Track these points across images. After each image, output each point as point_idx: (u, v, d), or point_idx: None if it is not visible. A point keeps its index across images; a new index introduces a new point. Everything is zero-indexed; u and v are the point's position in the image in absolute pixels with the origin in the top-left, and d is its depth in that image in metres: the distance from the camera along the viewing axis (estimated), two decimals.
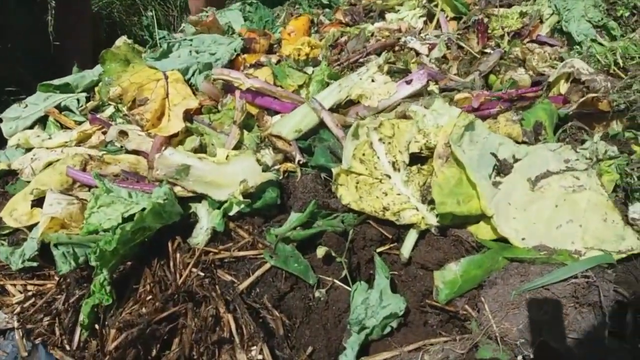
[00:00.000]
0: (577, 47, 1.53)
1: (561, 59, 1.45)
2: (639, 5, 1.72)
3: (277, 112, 1.43)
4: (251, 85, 1.39)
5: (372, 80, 1.36)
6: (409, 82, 1.33)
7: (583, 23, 1.69)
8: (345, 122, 1.32)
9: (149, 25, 4.14)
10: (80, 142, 1.54)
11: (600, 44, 1.63)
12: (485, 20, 1.72)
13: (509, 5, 2.32)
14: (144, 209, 1.00)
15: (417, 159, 1.09)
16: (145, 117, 1.37)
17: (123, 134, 1.42)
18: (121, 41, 1.75)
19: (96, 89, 1.68)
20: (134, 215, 0.99)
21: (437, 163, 1.00)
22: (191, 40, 1.77)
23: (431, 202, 1.02)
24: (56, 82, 1.67)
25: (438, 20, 2.13)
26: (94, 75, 1.71)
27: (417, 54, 1.74)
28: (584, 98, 1.14)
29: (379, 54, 1.80)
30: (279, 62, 1.73)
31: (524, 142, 1.09)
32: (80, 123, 1.64)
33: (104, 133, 1.54)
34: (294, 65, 1.64)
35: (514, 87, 1.27)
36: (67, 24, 2.54)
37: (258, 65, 1.68)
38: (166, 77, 1.53)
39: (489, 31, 1.68)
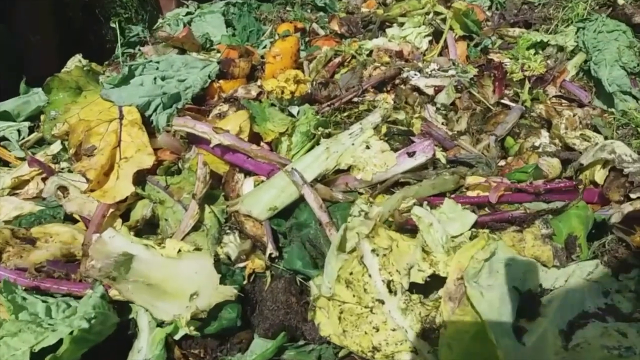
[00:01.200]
0: (613, 109, 1.29)
1: (595, 129, 1.21)
2: None
3: (249, 172, 1.19)
4: (220, 142, 1.15)
5: (367, 147, 1.12)
6: (411, 154, 1.09)
7: (616, 70, 1.45)
8: (332, 196, 1.08)
9: (131, 2, 3.80)
10: (15, 188, 1.29)
11: (636, 97, 1.40)
12: (505, 60, 1.47)
13: (527, 24, 2.07)
14: (61, 340, 0.77)
15: (420, 286, 0.86)
16: (89, 175, 1.12)
17: (63, 189, 1.18)
18: (74, 62, 1.47)
19: (41, 118, 1.41)
20: (46, 349, 0.77)
21: (446, 307, 0.78)
22: (158, 62, 1.50)
23: (435, 341, 0.80)
24: None
25: (445, 41, 1.88)
26: (40, 100, 1.45)
27: (420, 93, 1.49)
28: (632, 208, 0.91)
29: (377, 87, 1.55)
30: (259, 95, 1.47)
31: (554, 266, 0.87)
32: (22, 159, 1.39)
33: (44, 180, 1.29)
34: (277, 104, 1.39)
35: (540, 177, 1.03)
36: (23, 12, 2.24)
37: (233, 100, 1.42)
38: (121, 117, 1.27)
39: (508, 73, 1.43)
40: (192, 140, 1.22)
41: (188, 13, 2.24)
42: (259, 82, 1.56)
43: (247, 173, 1.20)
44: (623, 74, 1.44)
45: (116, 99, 1.32)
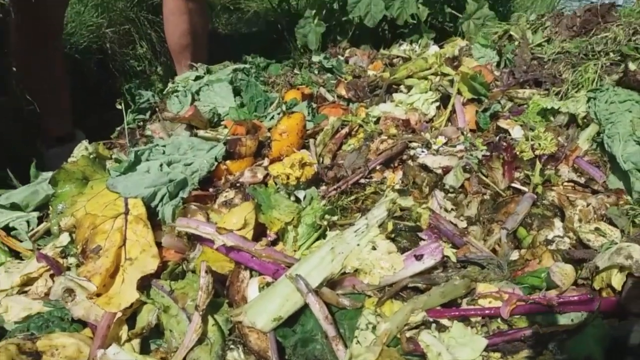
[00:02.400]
0: (629, 194, 1.25)
1: (610, 222, 1.17)
2: None
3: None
4: (224, 243, 1.13)
5: (373, 248, 1.09)
6: (419, 258, 1.06)
7: (631, 145, 1.41)
8: (339, 302, 1.06)
9: (145, 54, 3.89)
10: (24, 285, 1.29)
11: None
12: (515, 130, 1.44)
13: (537, 83, 2.05)
14: None
15: None
16: (94, 281, 1.11)
17: (70, 291, 1.17)
18: (80, 151, 1.49)
19: (49, 209, 1.42)
20: None
21: None
22: (164, 146, 1.50)
23: None
24: (2, 200, 1.42)
25: (454, 106, 1.86)
26: (48, 189, 1.45)
27: (429, 171, 1.47)
28: None
29: (385, 163, 1.54)
30: (265, 177, 1.47)
31: None
32: (32, 250, 1.40)
33: (53, 276, 1.29)
34: (283, 190, 1.38)
35: (554, 287, 0.99)
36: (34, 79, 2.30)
37: (239, 185, 1.42)
38: (126, 212, 1.27)
39: (517, 153, 1.40)
40: (196, 238, 1.21)
41: (197, 77, 2.27)
42: (266, 162, 1.56)
43: (253, 271, 1.18)
44: (638, 150, 1.39)
45: (122, 190, 1.32)
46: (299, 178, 1.35)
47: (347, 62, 2.35)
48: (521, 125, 1.70)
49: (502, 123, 1.74)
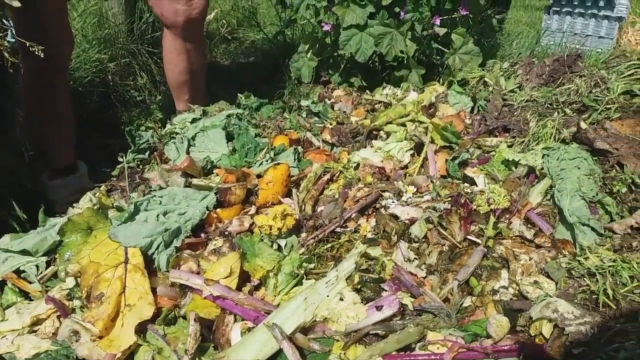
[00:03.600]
0: (579, 251, 1.42)
1: (547, 275, 1.34)
2: (637, 181, 1.61)
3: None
4: (210, 293, 1.30)
5: (341, 299, 1.26)
6: (379, 308, 1.23)
7: (576, 200, 1.58)
8: (310, 347, 1.22)
9: (145, 84, 4.08)
10: (34, 325, 1.46)
11: (595, 231, 1.52)
12: (479, 179, 1.62)
13: (506, 129, 2.22)
14: None
15: None
16: (97, 325, 1.27)
17: (75, 333, 1.34)
18: (85, 202, 1.66)
19: (57, 256, 1.59)
20: None
21: None
22: (161, 197, 1.68)
23: None
24: (15, 246, 1.59)
25: (427, 153, 2.04)
26: (56, 235, 1.62)
27: (398, 220, 1.64)
28: None
29: (360, 212, 1.71)
30: (251, 225, 1.64)
31: None
32: (40, 291, 1.56)
33: (60, 317, 1.45)
34: (267, 239, 1.55)
35: (490, 337, 1.16)
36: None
37: (227, 234, 1.59)
38: (126, 261, 1.44)
39: (475, 207, 1.57)
40: (187, 287, 1.38)
41: (194, 119, 2.45)
42: (253, 209, 1.73)
43: (237, 316, 1.35)
44: (583, 205, 1.57)
45: (122, 240, 1.49)
46: (280, 228, 1.53)
47: (332, 107, 2.53)
48: (486, 174, 1.88)
49: (469, 172, 1.91)
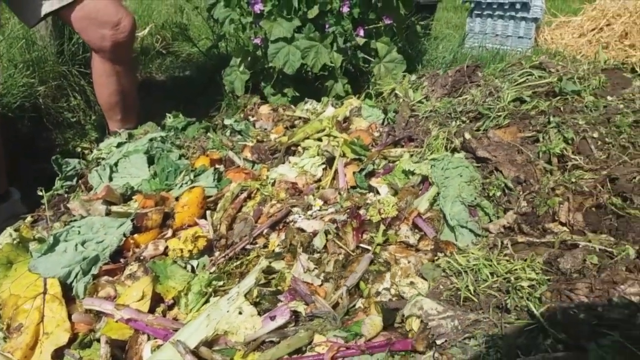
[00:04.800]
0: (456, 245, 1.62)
1: (421, 276, 1.54)
2: (509, 185, 1.83)
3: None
4: (121, 317, 1.43)
5: (240, 312, 1.41)
6: (272, 318, 1.39)
7: (457, 205, 1.79)
8: (212, 358, 1.36)
9: (78, 105, 4.09)
10: None
11: (473, 232, 1.73)
12: (361, 211, 1.79)
13: (410, 139, 2.42)
14: None
15: None
16: (16, 355, 1.38)
17: None
18: (5, 238, 1.74)
19: None
20: None
21: None
22: (79, 227, 1.78)
23: None
24: None
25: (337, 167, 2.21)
26: None
27: (304, 231, 1.80)
28: None
29: (272, 228, 1.86)
30: (166, 249, 1.76)
31: None
32: None
33: None
34: (180, 261, 1.68)
35: (363, 335, 1.34)
36: None
37: (142, 259, 1.71)
38: (45, 292, 1.54)
39: (368, 216, 1.76)
40: (101, 312, 1.49)
41: (120, 144, 2.54)
42: (170, 232, 1.86)
43: (149, 335, 1.48)
44: (463, 209, 1.78)
45: (42, 271, 1.60)
46: (191, 250, 1.66)
47: (254, 125, 2.68)
48: (388, 184, 2.07)
49: (373, 182, 2.10)
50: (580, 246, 1.48)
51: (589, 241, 1.50)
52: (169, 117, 2.88)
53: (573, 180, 1.84)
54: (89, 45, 2.81)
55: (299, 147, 2.41)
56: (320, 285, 1.56)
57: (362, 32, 3.54)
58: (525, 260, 1.48)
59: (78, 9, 2.53)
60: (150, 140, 2.39)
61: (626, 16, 4.86)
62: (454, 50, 4.79)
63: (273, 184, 2.14)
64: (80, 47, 4.14)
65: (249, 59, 3.79)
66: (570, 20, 5.30)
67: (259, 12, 3.51)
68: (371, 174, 2.19)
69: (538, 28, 5.22)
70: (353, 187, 2.14)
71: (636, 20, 4.77)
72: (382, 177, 2.13)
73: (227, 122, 2.68)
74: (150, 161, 2.28)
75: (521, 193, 1.80)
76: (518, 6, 4.94)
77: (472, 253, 1.57)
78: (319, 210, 1.90)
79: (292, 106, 3.01)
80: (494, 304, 1.38)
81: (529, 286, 1.38)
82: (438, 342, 1.31)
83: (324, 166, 2.22)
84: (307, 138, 2.43)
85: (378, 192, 2.04)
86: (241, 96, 3.71)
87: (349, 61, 3.71)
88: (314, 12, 3.53)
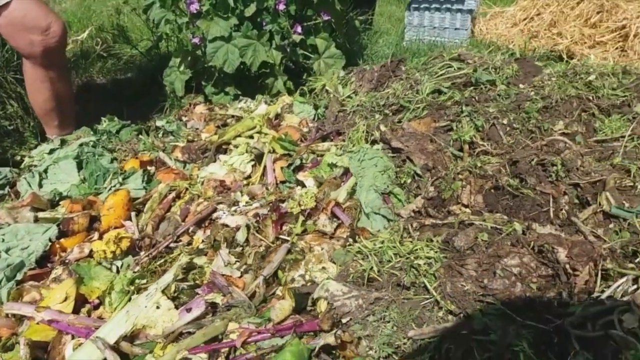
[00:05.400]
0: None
1: (333, 262, 1.64)
2: (418, 172, 1.96)
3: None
4: (42, 319, 1.47)
5: (157, 307, 1.48)
6: (188, 310, 1.46)
7: (371, 193, 1.91)
8: (132, 352, 1.43)
9: (15, 112, 4.01)
10: None
11: (386, 218, 1.85)
12: (284, 204, 1.88)
13: (339, 133, 2.53)
14: None
15: None
16: None
17: None
18: None
19: None
20: None
21: None
22: (4, 235, 1.80)
23: None
24: None
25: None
26: None
27: (228, 227, 1.87)
28: (332, 338, 1.32)
29: (197, 225, 1.92)
30: (91, 252, 1.80)
31: None
32: None
33: None
34: (105, 262, 1.73)
35: (273, 319, 1.43)
36: None
37: (67, 263, 1.75)
38: None
39: (289, 209, 1.85)
40: (24, 315, 1.53)
41: (52, 150, 2.55)
42: (96, 235, 1.90)
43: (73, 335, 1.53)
44: (376, 197, 1.89)
45: None
46: (114, 252, 1.71)
47: (186, 125, 2.72)
48: (314, 177, 2.17)
49: (301, 176, 2.19)
50: (474, 225, 1.62)
51: (484, 220, 1.64)
52: (104, 121, 2.89)
53: (479, 165, 1.98)
54: (18, 51, 2.78)
55: (231, 145, 2.48)
56: (240, 277, 1.65)
57: (299, 29, 3.60)
58: (426, 240, 1.60)
59: (4, 15, 2.50)
60: (81, 145, 2.41)
61: (554, 5, 5.12)
62: (393, 43, 4.94)
63: (202, 183, 2.20)
64: (15, 53, 4.06)
65: (189, 58, 3.81)
66: (504, 11, 5.53)
67: (195, 11, 3.53)
68: (300, 169, 2.28)
69: (474, 19, 5.42)
70: (282, 182, 2.23)
71: (563, 10, 5.03)
72: (309, 170, 2.22)
73: (159, 123, 2.71)
74: (80, 166, 2.30)
75: (429, 179, 1.93)
76: None
77: (381, 237, 1.69)
78: (245, 205, 1.97)
79: (228, 105, 3.06)
80: (394, 282, 1.50)
81: (425, 264, 1.50)
82: (343, 320, 1.42)
83: (253, 163, 2.30)
84: (239, 136, 2.50)
85: (304, 186, 2.14)
86: (185, 96, 3.73)
87: (289, 58, 3.77)
88: (250, 10, 3.58)
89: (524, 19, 5.26)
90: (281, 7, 3.53)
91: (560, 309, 1.36)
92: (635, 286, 1.33)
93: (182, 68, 3.84)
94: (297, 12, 3.69)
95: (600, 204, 1.72)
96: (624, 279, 1.32)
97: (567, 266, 1.41)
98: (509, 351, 1.27)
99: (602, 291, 1.36)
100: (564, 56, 4.53)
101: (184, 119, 2.82)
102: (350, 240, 1.69)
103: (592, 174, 1.84)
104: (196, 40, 3.56)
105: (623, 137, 2.16)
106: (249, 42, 3.47)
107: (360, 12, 5.00)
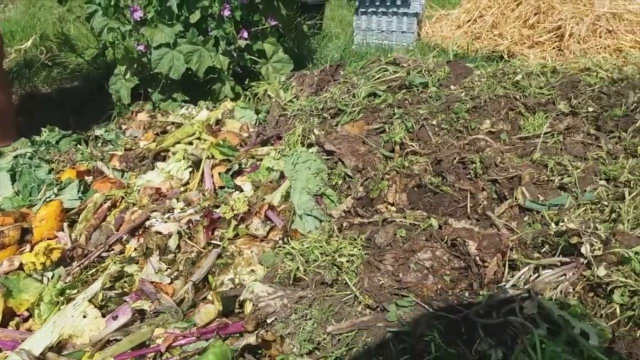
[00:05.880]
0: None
1: (262, 264, 1.69)
2: (349, 173, 2.03)
3: None
4: None
5: (84, 316, 1.49)
6: (115, 318, 1.48)
7: (304, 195, 1.97)
8: None
9: None
10: None
11: (318, 219, 1.91)
12: (218, 209, 1.92)
13: (279, 137, 2.58)
14: None
15: None
16: None
17: None
18: None
19: None
20: None
21: None
22: None
23: None
24: None
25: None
26: None
27: (161, 233, 1.89)
28: (254, 338, 1.37)
29: (132, 233, 1.93)
30: (21, 265, 1.79)
31: None
32: None
33: None
34: (35, 274, 1.72)
35: (197, 323, 1.47)
36: None
37: None
38: None
39: (222, 214, 1.88)
40: None
41: None
42: (28, 248, 1.88)
43: None
44: (309, 198, 1.95)
45: None
46: (44, 263, 1.71)
47: (125, 133, 2.72)
48: (252, 181, 2.21)
49: (238, 181, 2.23)
50: (394, 222, 1.69)
51: (405, 217, 1.72)
52: (44, 132, 2.85)
53: (406, 164, 2.06)
54: None
55: (169, 153, 2.49)
56: (170, 283, 1.67)
57: (245, 34, 3.63)
58: (350, 239, 1.67)
59: None
60: (16, 157, 2.37)
61: (495, 7, 5.32)
62: (342, 47, 5.03)
63: (139, 191, 2.21)
64: None
65: (136, 66, 3.78)
66: (449, 14, 5.72)
67: (139, 19, 3.52)
68: (239, 173, 2.32)
69: (420, 22, 5.57)
70: (221, 187, 2.26)
71: (504, 11, 5.24)
72: (247, 175, 2.26)
73: (97, 132, 2.70)
74: (15, 178, 2.27)
75: (359, 180, 2.01)
76: (399, 2, 5.25)
77: (310, 238, 1.74)
78: (180, 212, 2.00)
79: (171, 112, 3.07)
80: (318, 280, 1.55)
81: (347, 261, 1.57)
82: (268, 320, 1.46)
83: (190, 169, 2.32)
84: (178, 143, 2.51)
85: (243, 190, 2.17)
86: (134, 104, 3.70)
87: (237, 63, 3.79)
88: (195, 16, 3.59)
89: (468, 21, 5.44)
90: (226, 13, 3.55)
91: (470, 299, 1.45)
92: (536, 274, 1.43)
93: (127, 76, 3.81)
94: (242, 18, 3.72)
95: (516, 198, 1.83)
96: (526, 268, 1.42)
97: (477, 258, 1.51)
98: (421, 341, 1.35)
99: (508, 280, 1.45)
100: (505, 56, 4.71)
101: (123, 127, 2.80)
102: (281, 242, 1.74)
103: (510, 169, 1.95)
104: (141, 47, 3.55)
105: (545, 133, 2.30)
106: (194, 48, 3.48)
107: (308, 17, 5.07)
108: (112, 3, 3.53)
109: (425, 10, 5.78)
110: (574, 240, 1.40)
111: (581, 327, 1.21)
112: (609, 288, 1.34)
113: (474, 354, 1.30)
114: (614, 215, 1.62)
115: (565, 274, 1.36)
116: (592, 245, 1.36)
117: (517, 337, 1.27)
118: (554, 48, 4.68)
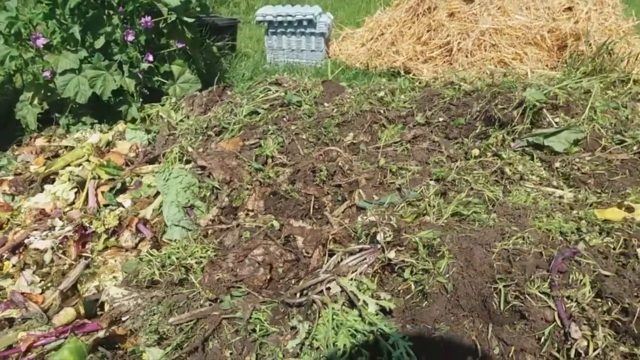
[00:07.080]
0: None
1: (125, 271, 1.90)
2: (216, 186, 2.28)
3: None
4: None
5: None
6: None
7: (173, 208, 2.20)
8: None
9: None
10: None
11: (185, 229, 2.14)
12: (90, 222, 2.12)
13: (165, 155, 2.78)
14: None
15: None
16: None
17: None
18: None
19: None
20: None
21: None
22: None
23: None
24: None
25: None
26: None
27: (39, 249, 2.07)
28: (104, 332, 1.58)
29: (13, 252, 2.09)
30: None
31: None
32: None
33: None
34: None
35: (55, 324, 1.67)
36: None
37: None
38: None
39: (95, 228, 2.08)
40: None
41: None
42: None
43: None
44: (177, 211, 2.18)
45: None
46: None
47: (16, 158, 2.85)
48: (132, 198, 2.41)
49: (120, 198, 2.43)
50: (241, 226, 1.96)
51: (254, 221, 1.99)
52: None
53: (271, 175, 2.34)
54: None
55: (59, 175, 2.65)
56: (41, 293, 1.85)
57: (150, 57, 3.79)
58: (202, 244, 1.92)
59: None
60: None
61: (394, 26, 5.78)
62: (251, 67, 5.31)
63: (25, 213, 2.36)
64: None
65: (43, 91, 3.87)
66: (354, 32, 6.13)
67: (42, 46, 3.63)
68: (124, 191, 2.51)
69: (328, 41, 5.95)
70: (106, 205, 2.45)
71: (402, 29, 5.70)
72: (129, 192, 2.46)
73: None
74: None
75: (226, 191, 2.26)
76: (305, 23, 5.60)
77: (171, 246, 1.98)
78: (59, 230, 2.17)
79: (67, 136, 3.21)
80: (170, 281, 1.79)
81: (196, 263, 1.81)
82: (123, 318, 1.68)
83: (76, 190, 2.49)
84: (68, 165, 2.68)
85: (124, 207, 2.37)
86: (45, 129, 3.77)
87: (144, 85, 3.95)
88: (100, 42, 3.74)
89: (370, 39, 5.86)
90: (130, 38, 3.71)
91: (295, 285, 1.73)
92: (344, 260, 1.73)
93: (35, 102, 3.89)
94: (147, 42, 3.89)
95: (353, 199, 2.14)
96: (335, 255, 1.71)
97: (304, 250, 1.79)
98: (250, 324, 1.61)
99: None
100: (402, 72, 5.11)
101: (15, 153, 2.93)
102: (149, 251, 1.96)
103: (352, 175, 2.27)
104: (47, 73, 3.66)
105: (396, 142, 2.66)
106: (97, 72, 3.62)
107: (219, 38, 5.30)
108: (12, 32, 3.62)
109: (333, 29, 6.16)
110: (373, 230, 1.71)
111: (363, 298, 1.51)
112: (399, 267, 1.65)
113: (291, 330, 1.58)
114: (428, 209, 1.95)
115: (365, 258, 1.66)
116: (384, 233, 1.67)
117: (320, 312, 1.55)
118: (445, 62, 5.13)
